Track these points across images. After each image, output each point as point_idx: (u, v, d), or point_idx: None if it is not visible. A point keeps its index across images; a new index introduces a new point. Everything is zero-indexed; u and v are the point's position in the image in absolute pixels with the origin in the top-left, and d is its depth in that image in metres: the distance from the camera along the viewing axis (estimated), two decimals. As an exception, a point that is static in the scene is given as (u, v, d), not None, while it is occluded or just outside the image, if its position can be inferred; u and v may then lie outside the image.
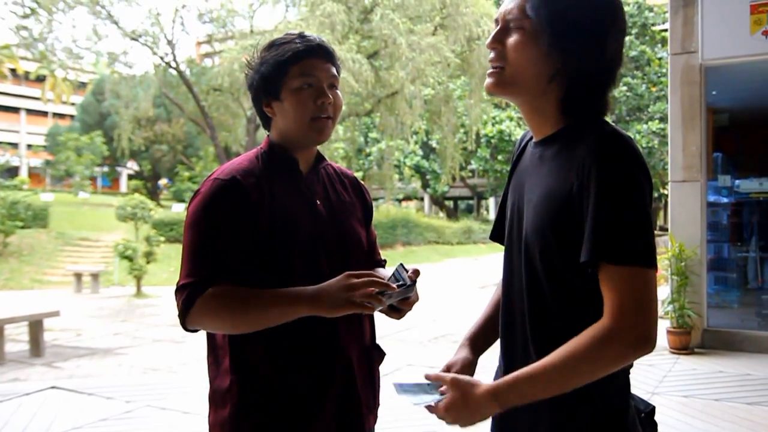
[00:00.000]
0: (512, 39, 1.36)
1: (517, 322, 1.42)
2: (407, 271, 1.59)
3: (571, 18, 1.31)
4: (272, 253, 1.61)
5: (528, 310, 1.38)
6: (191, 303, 1.55)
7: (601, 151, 1.25)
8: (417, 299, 1.63)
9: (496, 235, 1.64)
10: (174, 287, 1.64)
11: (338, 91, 1.73)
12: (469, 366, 1.59)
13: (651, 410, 1.43)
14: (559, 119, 1.38)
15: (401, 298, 1.58)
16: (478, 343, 1.63)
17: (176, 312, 1.60)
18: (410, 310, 1.63)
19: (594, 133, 1.29)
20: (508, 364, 1.46)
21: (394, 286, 1.51)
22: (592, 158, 1.25)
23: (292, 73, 1.65)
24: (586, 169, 1.25)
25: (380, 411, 1.87)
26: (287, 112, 1.68)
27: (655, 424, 1.44)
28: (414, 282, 1.59)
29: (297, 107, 1.66)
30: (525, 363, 1.36)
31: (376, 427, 1.87)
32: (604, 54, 1.33)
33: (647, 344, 1.20)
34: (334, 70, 1.71)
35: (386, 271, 1.81)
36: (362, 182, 1.95)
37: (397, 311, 1.62)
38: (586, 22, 1.31)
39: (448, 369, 1.57)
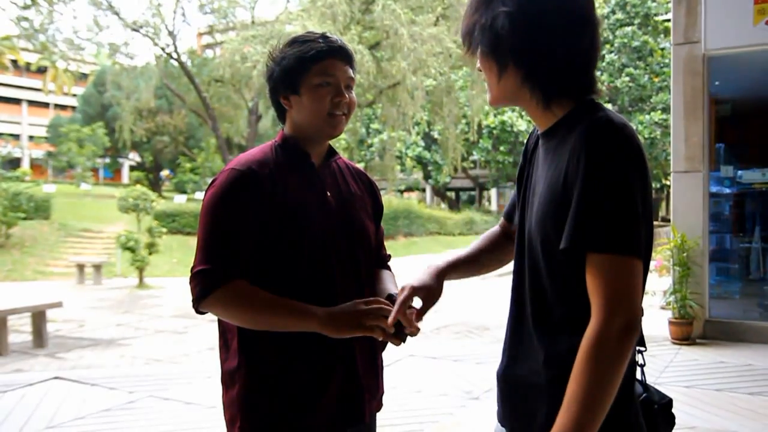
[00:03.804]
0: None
1: (524, 313, 1.42)
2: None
3: (499, 33, 1.33)
4: (282, 242, 1.68)
5: (530, 301, 1.39)
6: (207, 292, 1.63)
7: (590, 141, 1.25)
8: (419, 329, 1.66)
9: (508, 216, 1.73)
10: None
11: (353, 92, 1.81)
12: (434, 294, 1.62)
13: (667, 402, 1.43)
14: (552, 111, 1.38)
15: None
16: (448, 274, 1.68)
17: (189, 295, 1.68)
18: (414, 335, 1.66)
19: (586, 122, 1.29)
20: (512, 355, 1.46)
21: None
22: (581, 148, 1.25)
23: (313, 70, 1.73)
24: (576, 158, 1.25)
25: (384, 399, 1.89)
26: (305, 107, 1.75)
27: (671, 417, 1.43)
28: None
29: (314, 103, 1.74)
30: (531, 355, 1.37)
31: (380, 415, 1.90)
32: (557, 51, 1.32)
33: (631, 332, 1.19)
34: (351, 72, 1.80)
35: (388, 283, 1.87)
36: (374, 182, 2.02)
37: (398, 337, 1.63)
38: (514, 34, 1.32)
39: (413, 292, 1.59)
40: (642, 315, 1.23)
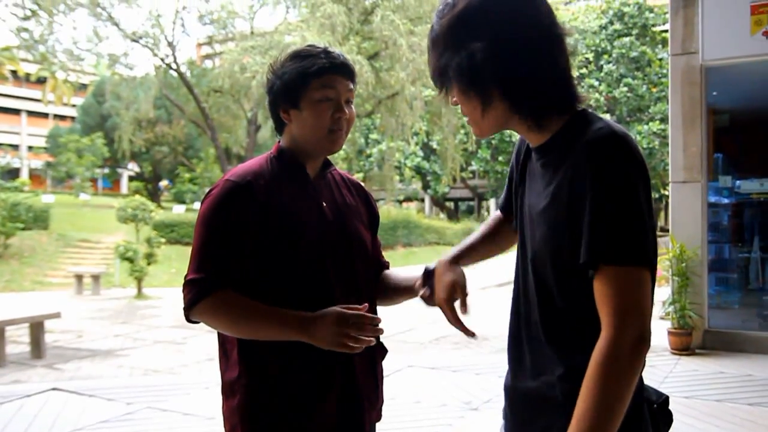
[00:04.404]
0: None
1: (534, 327, 1.40)
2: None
3: (465, 62, 1.33)
4: (278, 253, 1.69)
5: (541, 317, 1.37)
6: (196, 301, 1.65)
7: (596, 154, 1.25)
8: None
9: (507, 208, 1.69)
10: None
11: (352, 106, 1.82)
12: (464, 283, 1.60)
13: (664, 400, 1.42)
14: (545, 127, 1.38)
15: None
16: (462, 261, 1.68)
17: (182, 305, 1.70)
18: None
19: (586, 134, 1.28)
20: (521, 368, 1.45)
21: (380, 318, 1.59)
22: (588, 161, 1.25)
23: (314, 85, 1.73)
24: (583, 172, 1.25)
25: (383, 410, 1.89)
26: (304, 122, 1.76)
27: (669, 414, 1.42)
28: None
29: (315, 118, 1.74)
30: (545, 368, 1.36)
31: (380, 425, 1.91)
32: (539, 72, 1.31)
33: (644, 343, 1.19)
34: (351, 86, 1.80)
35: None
36: (369, 192, 2.03)
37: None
38: (495, 66, 1.31)
39: (450, 298, 1.56)
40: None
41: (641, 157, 1.27)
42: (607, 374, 1.18)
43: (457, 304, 1.55)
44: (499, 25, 1.31)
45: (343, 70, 1.77)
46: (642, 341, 1.19)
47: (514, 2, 1.33)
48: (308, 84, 1.73)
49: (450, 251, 1.70)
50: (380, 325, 1.62)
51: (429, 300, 1.65)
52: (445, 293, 1.56)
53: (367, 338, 1.57)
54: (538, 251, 1.37)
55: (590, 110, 1.38)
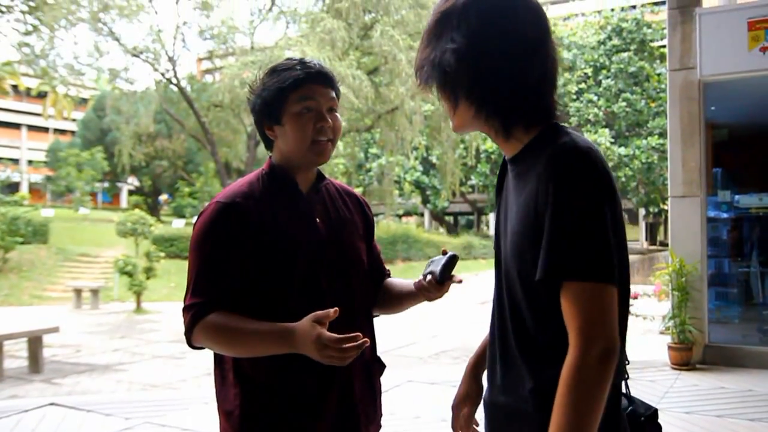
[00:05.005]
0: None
1: (508, 341, 1.40)
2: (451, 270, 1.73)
3: (443, 64, 1.35)
4: (272, 272, 1.68)
5: (513, 330, 1.38)
6: (192, 326, 1.66)
7: (556, 168, 1.24)
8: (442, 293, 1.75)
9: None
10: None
11: (337, 114, 1.79)
12: (478, 398, 1.67)
13: (653, 413, 1.42)
14: (516, 138, 1.38)
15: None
16: (482, 368, 1.67)
17: (181, 328, 1.72)
18: (436, 295, 1.76)
19: (551, 148, 1.28)
20: (498, 382, 1.45)
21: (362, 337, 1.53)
22: (549, 175, 1.25)
23: (292, 98, 1.72)
24: (545, 186, 1.25)
25: (383, 421, 1.89)
26: (288, 136, 1.75)
27: (658, 427, 1.42)
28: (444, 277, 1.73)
29: (297, 131, 1.73)
30: (518, 382, 1.36)
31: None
32: (505, 83, 1.32)
33: (610, 356, 1.19)
34: (333, 94, 1.78)
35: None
36: (364, 198, 2.01)
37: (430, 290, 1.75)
38: (460, 71, 1.33)
39: (458, 405, 1.67)
40: (622, 341, 1.25)
41: (606, 171, 1.27)
42: (575, 390, 1.18)
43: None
44: (474, 30, 1.32)
45: (321, 79, 1.75)
46: (608, 355, 1.19)
47: (495, 10, 1.33)
48: (287, 98, 1.72)
49: (473, 353, 1.70)
50: (378, 337, 1.60)
51: (427, 290, 1.74)
52: (457, 401, 1.69)
53: (353, 352, 1.49)
54: (508, 265, 1.38)
55: (564, 125, 1.38)
